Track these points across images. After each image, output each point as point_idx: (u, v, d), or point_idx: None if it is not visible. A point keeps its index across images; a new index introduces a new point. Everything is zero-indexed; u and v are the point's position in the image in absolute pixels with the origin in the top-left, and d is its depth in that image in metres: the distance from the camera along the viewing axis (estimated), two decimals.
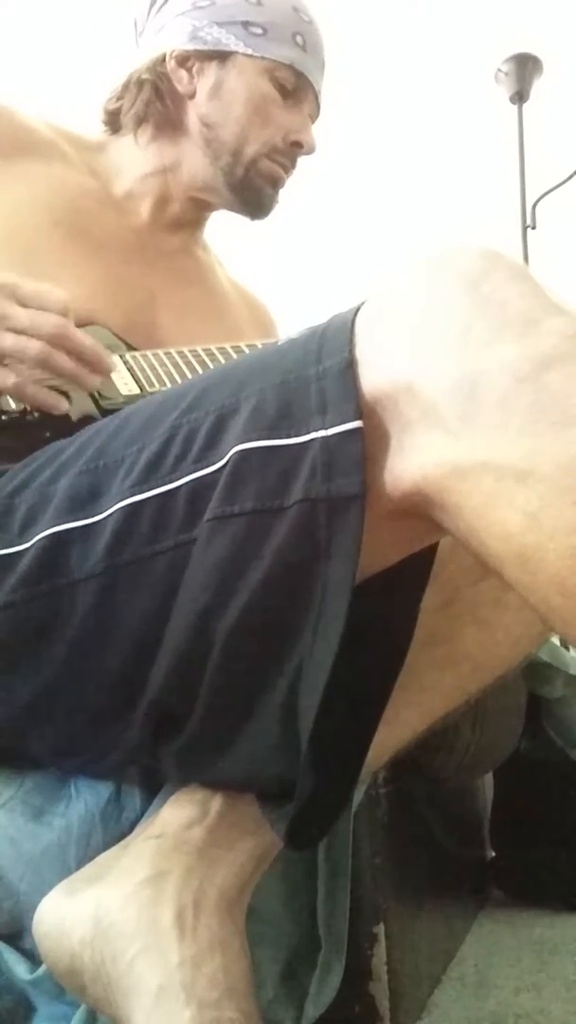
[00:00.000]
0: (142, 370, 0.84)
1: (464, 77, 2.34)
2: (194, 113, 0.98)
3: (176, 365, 0.85)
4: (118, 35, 1.07)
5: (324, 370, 0.46)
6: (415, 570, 0.55)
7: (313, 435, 0.46)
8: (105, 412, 0.79)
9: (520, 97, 2.22)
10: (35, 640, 0.56)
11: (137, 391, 0.82)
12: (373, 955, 0.69)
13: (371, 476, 0.45)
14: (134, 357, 0.86)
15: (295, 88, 0.97)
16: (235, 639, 0.49)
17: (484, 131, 2.39)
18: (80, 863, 0.60)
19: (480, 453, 0.41)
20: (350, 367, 0.46)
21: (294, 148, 0.99)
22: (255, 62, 0.95)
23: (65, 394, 0.76)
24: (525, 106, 2.24)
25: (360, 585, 0.47)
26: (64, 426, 0.75)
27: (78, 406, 0.78)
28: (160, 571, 0.51)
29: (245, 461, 0.47)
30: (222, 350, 0.88)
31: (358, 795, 0.68)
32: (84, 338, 0.72)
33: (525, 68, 2.18)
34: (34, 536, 0.55)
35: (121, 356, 0.85)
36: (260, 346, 0.87)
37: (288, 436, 0.46)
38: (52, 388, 0.75)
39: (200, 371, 0.84)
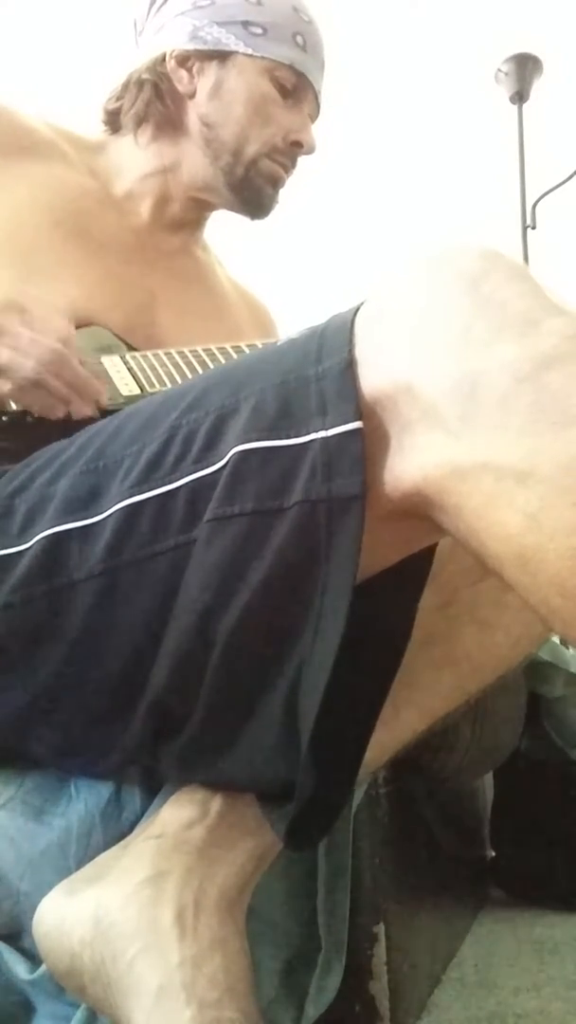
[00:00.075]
0: (142, 370, 0.84)
1: (464, 77, 2.34)
2: (194, 113, 0.98)
3: (176, 365, 0.85)
4: (118, 35, 1.07)
5: (324, 370, 0.46)
6: (414, 570, 0.55)
7: (313, 435, 0.46)
8: (105, 412, 0.79)
9: (520, 97, 2.22)
10: (35, 640, 0.56)
11: (137, 391, 0.82)
12: (373, 955, 0.69)
13: (371, 476, 0.45)
14: (134, 357, 0.86)
15: (295, 88, 0.97)
16: (235, 639, 0.49)
17: (484, 131, 2.39)
18: (80, 863, 0.60)
19: (480, 453, 0.41)
20: (350, 367, 0.46)
21: (294, 148, 0.99)
22: (255, 62, 0.95)
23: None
24: (525, 106, 2.24)
25: (360, 585, 0.47)
26: (63, 427, 0.75)
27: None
28: (160, 571, 0.51)
29: (245, 461, 0.47)
30: (222, 350, 0.88)
31: (358, 795, 0.68)
32: (78, 369, 0.74)
33: (525, 68, 2.18)
34: (34, 536, 0.55)
35: (121, 356, 0.85)
36: (260, 346, 0.87)
37: (288, 436, 0.46)
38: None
39: (200, 371, 0.84)
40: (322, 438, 0.45)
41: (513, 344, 0.42)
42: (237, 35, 0.95)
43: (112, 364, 0.84)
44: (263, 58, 0.95)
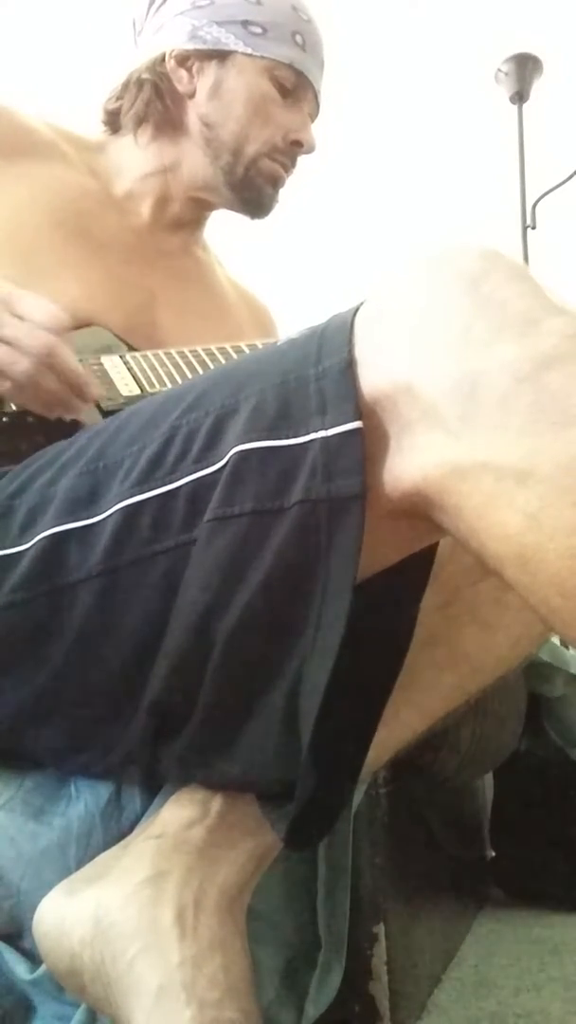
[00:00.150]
0: (142, 370, 0.84)
1: (464, 77, 2.34)
2: (194, 113, 0.98)
3: (176, 365, 0.85)
4: (118, 35, 1.07)
5: (324, 370, 0.46)
6: (415, 570, 0.55)
7: (313, 435, 0.46)
8: (106, 413, 0.79)
9: (520, 97, 2.22)
10: (35, 640, 0.56)
11: (138, 391, 0.82)
12: (373, 955, 0.69)
13: (371, 476, 0.45)
14: (134, 357, 0.86)
15: (295, 87, 0.97)
16: (235, 639, 0.49)
17: (484, 131, 2.39)
18: (80, 863, 0.60)
19: (480, 453, 0.41)
20: (350, 367, 0.46)
21: (294, 147, 0.99)
22: (255, 61, 0.95)
23: None
24: (525, 106, 2.24)
25: (360, 585, 0.47)
26: (63, 427, 0.75)
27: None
28: (160, 572, 0.51)
29: (245, 461, 0.47)
30: (222, 350, 0.88)
31: (358, 795, 0.68)
32: (70, 362, 0.72)
33: (525, 68, 2.18)
34: (34, 537, 0.55)
35: (121, 356, 0.85)
36: (260, 346, 0.87)
37: (288, 436, 0.46)
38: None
39: (200, 371, 0.84)
40: (322, 438, 0.45)
41: (513, 344, 0.42)
42: (236, 34, 0.95)
43: (112, 364, 0.84)
44: (263, 57, 0.95)
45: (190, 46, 0.96)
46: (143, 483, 0.52)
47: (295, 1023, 0.63)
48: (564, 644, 1.01)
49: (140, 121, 0.99)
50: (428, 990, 0.80)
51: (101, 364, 0.84)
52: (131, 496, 0.52)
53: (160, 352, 0.86)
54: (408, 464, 0.44)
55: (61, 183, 0.93)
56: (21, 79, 2.00)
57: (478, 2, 2.37)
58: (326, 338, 0.48)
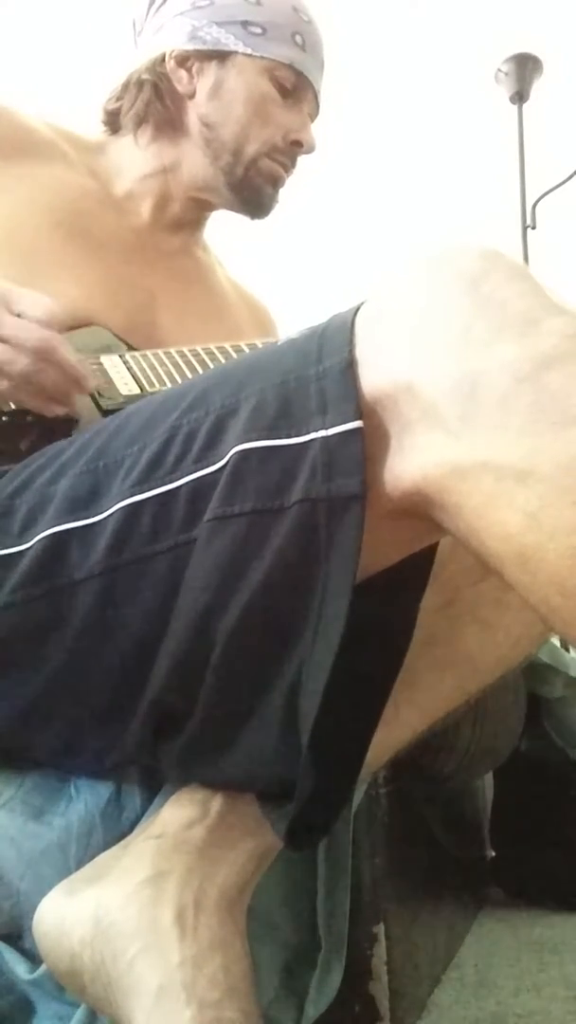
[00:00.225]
0: (142, 370, 0.84)
1: (464, 77, 2.34)
2: (194, 113, 0.98)
3: (176, 365, 0.85)
4: (118, 35, 1.07)
5: (324, 370, 0.46)
6: (415, 570, 0.55)
7: (313, 435, 0.46)
8: (105, 412, 0.79)
9: (520, 97, 2.22)
10: (35, 640, 0.56)
11: (137, 391, 0.82)
12: (373, 955, 0.69)
13: (371, 476, 0.45)
14: (134, 357, 0.86)
15: (295, 87, 0.97)
16: (235, 639, 0.49)
17: (484, 131, 2.39)
18: (80, 863, 0.60)
19: (480, 453, 0.41)
20: (350, 367, 0.46)
21: (294, 147, 0.99)
22: (255, 62, 0.95)
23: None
24: (525, 106, 2.24)
25: (360, 585, 0.47)
26: (63, 427, 0.75)
27: (77, 407, 0.78)
28: (160, 571, 0.51)
29: (245, 461, 0.47)
30: (222, 350, 0.88)
31: (358, 795, 0.68)
32: (67, 355, 0.72)
33: (525, 68, 2.18)
34: (34, 536, 0.55)
35: (121, 356, 0.85)
36: (260, 346, 0.87)
37: (288, 436, 0.46)
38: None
39: (200, 371, 0.84)
40: (322, 437, 0.45)
41: (513, 344, 0.42)
42: (236, 35, 0.95)
43: (111, 364, 0.84)
44: (263, 58, 0.95)
45: (190, 46, 0.96)
46: (143, 483, 0.52)
47: (295, 1023, 0.63)
48: (564, 644, 1.01)
49: (140, 121, 0.99)
50: (428, 990, 0.80)
51: (100, 363, 0.84)
52: (132, 496, 0.52)
53: (159, 352, 0.86)
54: (408, 464, 0.44)
55: (61, 183, 0.93)
56: (21, 79, 2.00)
57: (478, 2, 2.37)
58: (326, 338, 0.48)
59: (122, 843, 0.58)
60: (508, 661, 0.67)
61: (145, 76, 0.98)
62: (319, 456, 0.45)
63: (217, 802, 0.57)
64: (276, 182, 1.00)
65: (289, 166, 1.01)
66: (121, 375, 0.83)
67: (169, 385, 0.82)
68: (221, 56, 0.96)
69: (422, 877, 0.85)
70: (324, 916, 0.67)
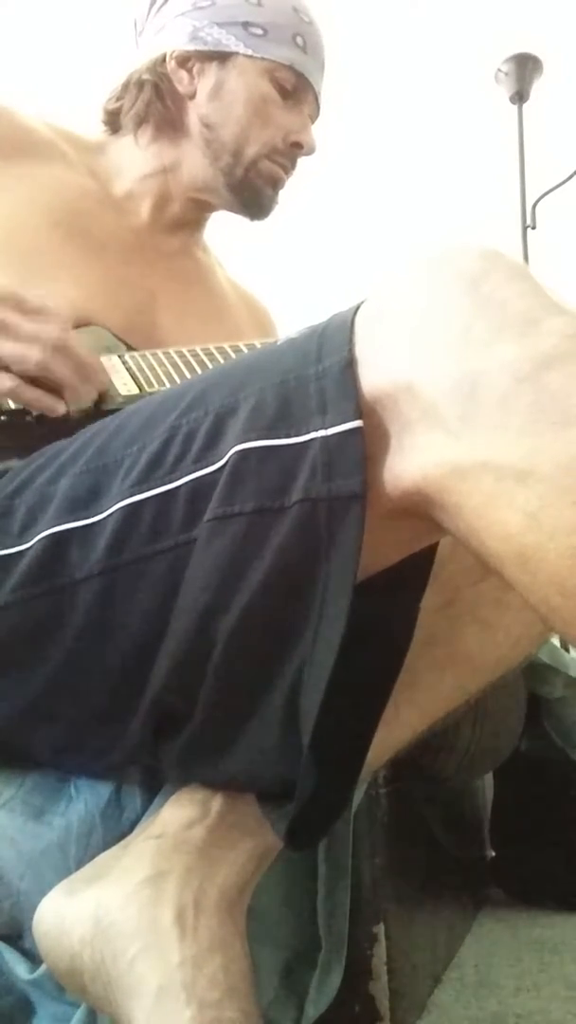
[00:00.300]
0: (141, 370, 0.84)
1: (464, 77, 2.34)
2: (194, 114, 0.98)
3: (175, 365, 0.85)
4: (118, 35, 1.07)
5: (324, 370, 0.46)
6: (415, 570, 0.55)
7: (313, 435, 0.46)
8: (105, 412, 0.79)
9: (520, 97, 2.22)
10: (35, 640, 0.56)
11: (136, 391, 0.82)
12: (373, 955, 0.69)
13: (371, 476, 0.45)
14: (133, 357, 0.86)
15: (295, 89, 0.97)
16: (236, 639, 0.49)
17: (484, 131, 2.39)
18: (80, 863, 0.60)
19: (480, 453, 0.41)
20: (350, 367, 0.46)
21: (294, 149, 0.99)
22: (255, 63, 0.95)
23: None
24: (525, 106, 2.24)
25: (360, 585, 0.47)
26: (63, 426, 0.75)
27: (77, 407, 0.78)
28: (160, 571, 0.51)
29: (245, 461, 0.47)
30: (221, 350, 0.88)
31: (358, 795, 0.68)
32: (82, 350, 0.74)
33: (525, 68, 2.18)
34: (34, 536, 0.55)
35: (120, 356, 0.85)
36: (260, 346, 0.87)
37: (288, 436, 0.46)
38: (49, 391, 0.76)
39: (199, 371, 0.84)
40: (322, 437, 0.45)
41: (513, 344, 0.42)
42: (237, 36, 0.95)
43: (111, 364, 0.84)
44: (263, 59, 0.95)
45: (191, 47, 0.96)
46: (143, 482, 0.52)
47: (295, 1023, 0.63)
48: (564, 644, 1.01)
49: (140, 122, 0.99)
50: (428, 990, 0.80)
51: (100, 363, 0.83)
52: (131, 495, 0.52)
53: (159, 352, 0.86)
54: (408, 463, 0.44)
55: (60, 183, 0.93)
56: (21, 79, 2.00)
57: (478, 2, 2.37)
58: (326, 337, 0.48)
59: (122, 843, 0.58)
60: (508, 661, 0.67)
61: (146, 76, 0.98)
62: (319, 456, 0.45)
63: (217, 802, 0.57)
64: (276, 183, 1.00)
65: (289, 167, 1.01)
66: (120, 375, 0.83)
67: (168, 386, 0.82)
68: (222, 57, 0.96)
69: (422, 877, 0.85)
70: (324, 916, 0.67)
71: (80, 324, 0.85)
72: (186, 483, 0.50)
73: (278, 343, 0.53)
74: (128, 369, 0.84)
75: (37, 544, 0.55)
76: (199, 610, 0.49)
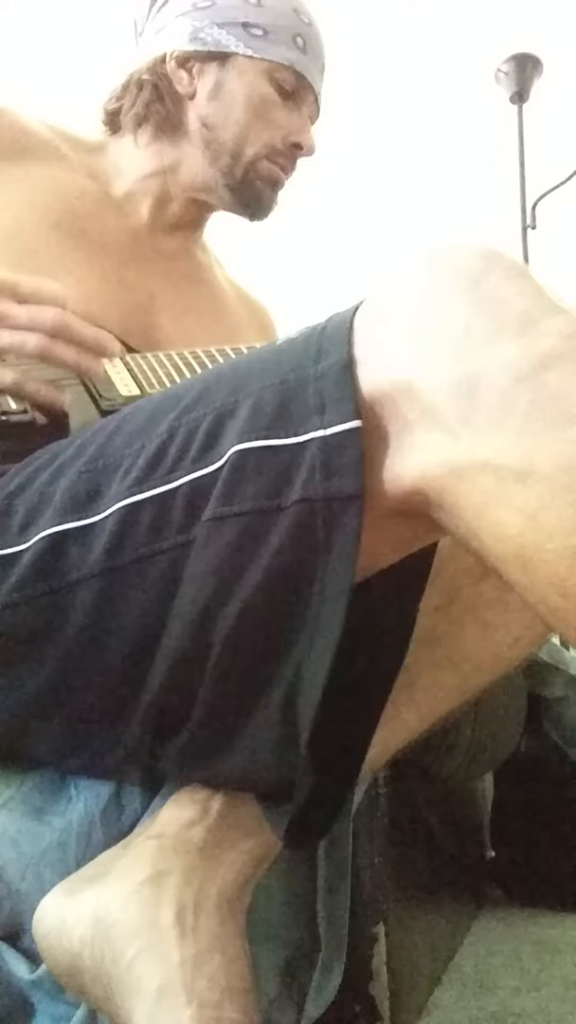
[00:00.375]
0: (142, 371, 0.84)
1: (464, 77, 2.34)
2: (194, 114, 0.98)
3: (176, 367, 0.85)
4: (118, 35, 1.07)
5: (323, 370, 0.46)
6: (415, 570, 0.55)
7: (312, 435, 0.45)
8: (105, 413, 0.79)
9: (520, 97, 2.22)
10: (35, 640, 0.56)
11: (137, 392, 0.82)
12: (373, 955, 0.69)
13: (370, 476, 0.45)
14: (134, 358, 0.86)
15: (295, 89, 0.97)
16: (234, 639, 0.49)
17: (484, 131, 2.39)
18: (80, 863, 0.60)
19: (479, 453, 0.41)
20: (349, 367, 0.46)
21: (294, 150, 0.99)
22: (255, 63, 0.95)
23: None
24: (525, 106, 2.25)
25: (360, 585, 0.47)
26: (64, 427, 0.75)
27: (78, 407, 0.78)
28: (159, 571, 0.51)
29: (243, 461, 0.47)
30: (223, 352, 0.88)
31: (358, 795, 0.68)
32: (84, 326, 0.72)
33: (525, 68, 2.19)
34: (33, 536, 0.55)
35: (121, 357, 0.85)
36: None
37: (286, 436, 0.46)
38: (51, 383, 0.75)
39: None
40: (321, 437, 0.45)
41: (512, 343, 0.42)
42: (237, 36, 0.95)
43: (112, 365, 0.84)
44: (263, 59, 0.95)
45: (191, 47, 0.96)
46: (142, 483, 0.52)
47: (295, 1023, 0.63)
48: (564, 644, 1.01)
49: (140, 122, 0.99)
50: (428, 990, 0.80)
51: (101, 364, 0.83)
52: (130, 496, 0.52)
53: (160, 354, 0.86)
54: (408, 463, 0.44)
55: (59, 184, 0.93)
56: (21, 79, 2.00)
57: (478, 2, 2.37)
58: (325, 337, 0.48)
59: (122, 843, 0.58)
60: (508, 661, 0.67)
61: (145, 76, 0.98)
62: (317, 456, 0.45)
63: (217, 802, 0.57)
64: (275, 184, 1.00)
65: (289, 168, 1.01)
66: (121, 376, 0.83)
67: (168, 387, 0.82)
68: (222, 57, 0.96)
69: (422, 877, 0.85)
70: (324, 916, 0.67)
71: None
72: (185, 483, 0.50)
73: (278, 343, 0.53)
74: (130, 370, 0.84)
75: (36, 544, 0.55)
76: (197, 610, 0.49)
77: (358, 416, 0.44)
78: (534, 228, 2.21)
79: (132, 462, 0.53)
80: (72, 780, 0.65)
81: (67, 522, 0.54)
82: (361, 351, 0.46)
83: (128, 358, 0.86)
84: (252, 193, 0.99)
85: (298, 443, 0.46)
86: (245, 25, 0.95)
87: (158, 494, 0.51)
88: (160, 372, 0.84)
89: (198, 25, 0.95)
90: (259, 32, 0.95)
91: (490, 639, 0.65)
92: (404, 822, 0.78)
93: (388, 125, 2.52)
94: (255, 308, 1.14)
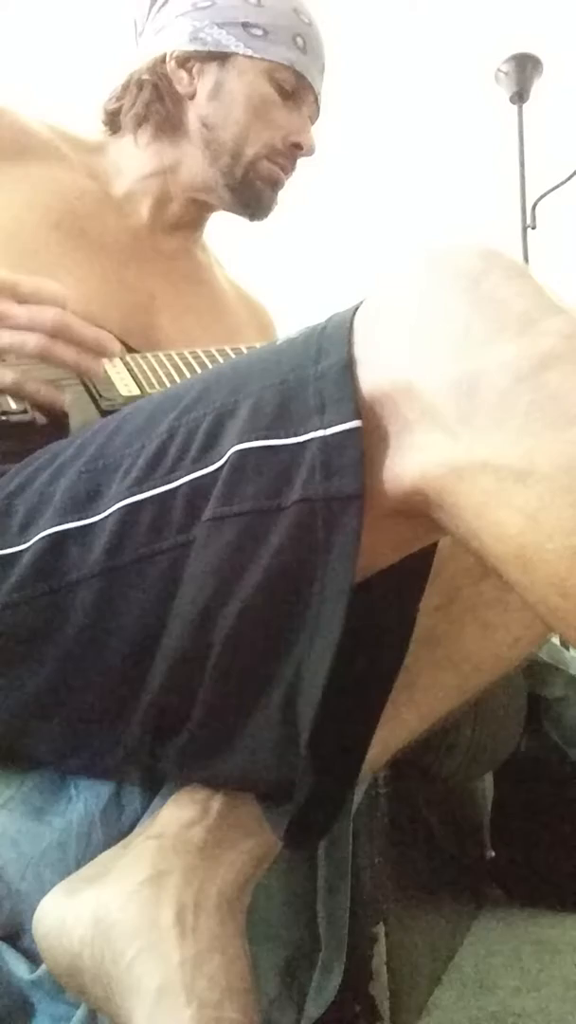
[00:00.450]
0: (142, 372, 0.84)
1: (464, 77, 2.34)
2: (194, 114, 0.98)
3: (177, 367, 0.85)
4: (118, 35, 1.07)
5: (323, 370, 0.46)
6: (415, 570, 0.55)
7: (312, 435, 0.45)
8: (105, 413, 0.79)
9: (520, 97, 2.22)
10: (35, 640, 0.56)
11: (137, 392, 0.82)
12: (373, 955, 0.69)
13: (370, 476, 0.45)
14: (134, 359, 0.86)
15: (295, 89, 0.97)
16: (234, 639, 0.49)
17: (484, 131, 2.39)
18: (80, 863, 0.60)
19: (479, 453, 0.41)
20: (349, 366, 0.46)
21: (294, 149, 0.99)
22: (255, 63, 0.95)
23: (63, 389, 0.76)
24: (525, 106, 2.25)
25: (360, 585, 0.47)
26: (64, 427, 0.75)
27: (78, 407, 0.78)
28: (159, 571, 0.51)
29: (243, 461, 0.47)
30: (223, 353, 0.88)
31: (358, 795, 0.68)
32: (84, 326, 0.72)
33: (525, 68, 2.19)
34: (33, 536, 0.55)
35: (121, 357, 0.85)
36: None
37: (286, 436, 0.46)
38: (51, 383, 0.75)
39: None
40: (320, 437, 0.45)
41: (512, 343, 0.42)
42: (237, 36, 0.95)
43: (112, 365, 0.84)
44: (263, 59, 0.95)
45: (191, 47, 0.96)
46: (142, 483, 0.52)
47: (295, 1023, 0.63)
48: (564, 644, 1.01)
49: (140, 122, 0.99)
50: (428, 990, 0.80)
51: (101, 364, 0.83)
52: (130, 496, 0.52)
53: (160, 354, 0.86)
54: (408, 463, 0.44)
55: (59, 184, 0.93)
56: (21, 79, 2.00)
57: (478, 2, 2.37)
58: (325, 337, 0.48)
59: (122, 843, 0.58)
60: (508, 661, 0.67)
61: (145, 76, 0.98)
62: (317, 456, 0.45)
63: (217, 802, 0.57)
64: (275, 184, 1.00)
65: (289, 168, 1.01)
66: (122, 376, 0.83)
67: (169, 387, 0.82)
68: (222, 57, 0.96)
69: (422, 877, 0.85)
70: (324, 916, 0.67)
71: None
72: (185, 483, 0.50)
73: (277, 343, 0.53)
74: (130, 370, 0.84)
75: (36, 544, 0.55)
76: (197, 610, 0.49)
77: (358, 416, 0.44)
78: (534, 228, 2.21)
79: (132, 462, 0.53)
80: (72, 780, 0.65)
81: (67, 522, 0.54)
82: (361, 351, 0.46)
83: (128, 358, 0.86)
84: (252, 193, 0.99)
85: (298, 443, 0.46)
86: (245, 25, 0.95)
87: (158, 494, 0.51)
88: (160, 372, 0.84)
89: (198, 25, 0.95)
90: (259, 32, 0.95)
91: (490, 639, 0.65)
92: (404, 822, 0.78)
93: (388, 125, 2.52)
94: (255, 308, 1.14)
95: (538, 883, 1.07)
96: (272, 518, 0.46)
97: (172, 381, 0.83)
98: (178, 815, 0.57)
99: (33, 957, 0.60)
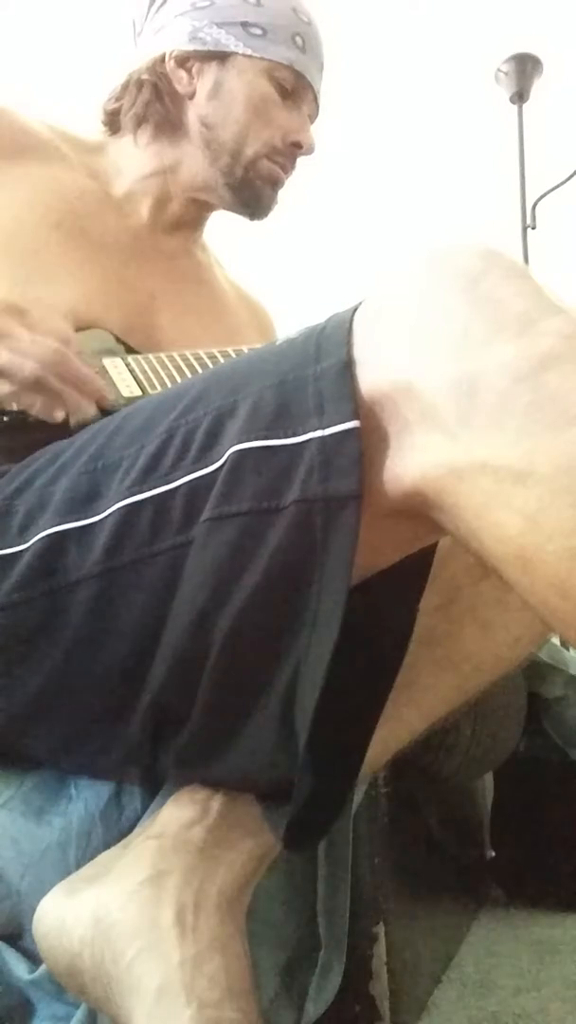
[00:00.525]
0: (144, 372, 0.84)
1: (464, 77, 2.34)
2: (194, 114, 0.98)
3: (178, 368, 0.85)
4: (118, 35, 1.07)
5: (322, 370, 0.46)
6: (415, 570, 0.55)
7: (310, 435, 0.46)
8: (105, 413, 0.79)
9: (520, 97, 2.22)
10: (34, 640, 0.56)
11: (139, 393, 0.82)
12: (373, 955, 0.69)
13: (369, 476, 0.45)
14: (135, 359, 0.86)
15: (294, 89, 0.97)
16: (233, 639, 0.49)
17: (484, 131, 2.39)
18: (80, 863, 0.60)
19: (479, 454, 0.41)
20: (348, 367, 0.46)
21: (293, 149, 0.99)
22: (255, 63, 0.95)
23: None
24: (525, 106, 2.25)
25: (359, 585, 0.47)
26: (63, 427, 0.75)
27: (76, 419, 0.78)
28: (158, 571, 0.51)
29: (242, 461, 0.47)
30: (224, 354, 0.88)
31: (358, 795, 0.68)
32: (79, 368, 0.74)
33: (525, 68, 2.18)
34: (33, 536, 0.56)
35: (123, 358, 0.85)
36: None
37: (285, 436, 0.46)
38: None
39: None
40: (319, 437, 0.45)
41: (511, 344, 0.42)
42: (237, 36, 0.95)
43: (113, 365, 0.84)
44: (262, 59, 0.95)
45: (190, 47, 0.96)
46: (142, 483, 0.52)
47: (295, 1023, 0.63)
48: (564, 644, 1.01)
49: (140, 122, 0.99)
50: (428, 990, 0.80)
51: (103, 365, 0.84)
52: (130, 496, 0.52)
53: (162, 355, 0.86)
54: (407, 464, 0.44)
55: (60, 184, 0.93)
56: (21, 79, 2.00)
57: (478, 2, 2.37)
58: (324, 338, 0.48)
59: (122, 843, 0.58)
60: (508, 661, 0.67)
61: (145, 76, 0.98)
62: (316, 456, 0.45)
63: (217, 802, 0.57)
64: (275, 183, 1.00)
65: (288, 167, 1.01)
66: (123, 377, 0.83)
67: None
68: (221, 57, 0.96)
69: (422, 877, 0.85)
70: (324, 916, 0.67)
71: (81, 326, 0.85)
72: (184, 483, 0.50)
73: (277, 343, 0.53)
74: (131, 371, 0.84)
75: (36, 544, 0.55)
76: (196, 610, 0.49)
77: (357, 416, 0.44)
78: (534, 228, 2.21)
79: (132, 462, 0.53)
80: (72, 780, 0.65)
81: (67, 522, 0.54)
82: (360, 351, 0.46)
83: (129, 359, 0.86)
84: (252, 192, 0.99)
85: (297, 443, 0.46)
86: (244, 24, 0.95)
87: (157, 494, 0.51)
88: (162, 373, 0.84)
89: (197, 25, 0.95)
90: (258, 31, 0.95)
91: (490, 639, 0.65)
92: (404, 822, 0.78)
93: (388, 125, 2.52)
94: (255, 308, 1.14)
95: (538, 883, 1.07)
96: (271, 518, 0.46)
97: (173, 382, 0.83)
98: (178, 815, 0.57)
99: (33, 957, 0.60)
